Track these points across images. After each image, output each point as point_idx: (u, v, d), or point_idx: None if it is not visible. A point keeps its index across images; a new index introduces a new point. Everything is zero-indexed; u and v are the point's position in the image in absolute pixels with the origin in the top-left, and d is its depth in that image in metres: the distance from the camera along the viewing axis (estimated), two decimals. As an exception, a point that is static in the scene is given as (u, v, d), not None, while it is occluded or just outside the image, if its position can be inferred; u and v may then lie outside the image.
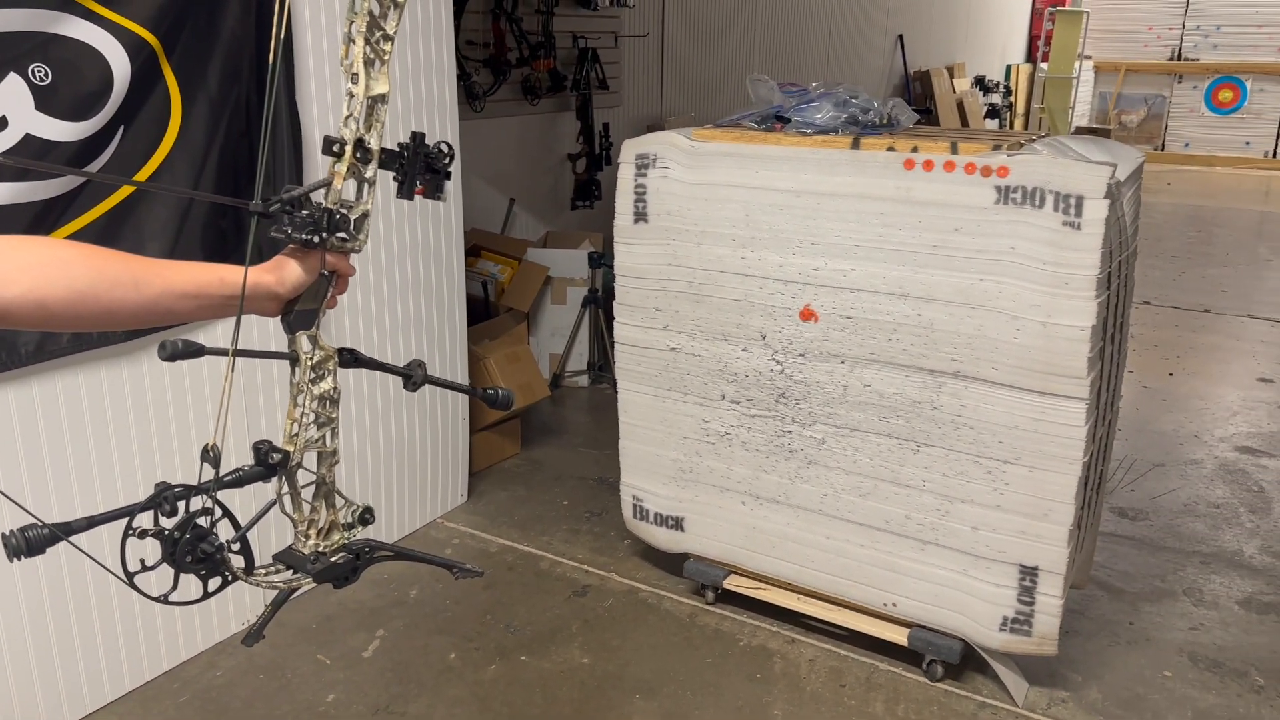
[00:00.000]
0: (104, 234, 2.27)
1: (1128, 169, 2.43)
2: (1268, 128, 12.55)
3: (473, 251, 4.56)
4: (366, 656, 2.71)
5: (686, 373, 2.82)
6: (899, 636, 2.64)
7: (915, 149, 2.36)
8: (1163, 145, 13.18)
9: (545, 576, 3.11)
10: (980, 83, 11.52)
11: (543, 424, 4.31)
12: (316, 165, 2.74)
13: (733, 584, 2.88)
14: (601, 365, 4.72)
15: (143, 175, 2.32)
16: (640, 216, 2.76)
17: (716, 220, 2.65)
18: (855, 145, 2.44)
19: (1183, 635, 2.85)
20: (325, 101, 2.78)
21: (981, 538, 2.47)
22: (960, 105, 10.72)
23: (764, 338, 2.67)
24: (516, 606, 2.94)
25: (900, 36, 9.93)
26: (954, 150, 2.32)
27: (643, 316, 2.85)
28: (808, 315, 2.58)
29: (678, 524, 2.95)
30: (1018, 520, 2.42)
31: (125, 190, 2.29)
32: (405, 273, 3.17)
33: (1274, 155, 12.53)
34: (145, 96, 2.29)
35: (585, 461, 3.95)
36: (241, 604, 2.80)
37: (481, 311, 4.36)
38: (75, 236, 2.20)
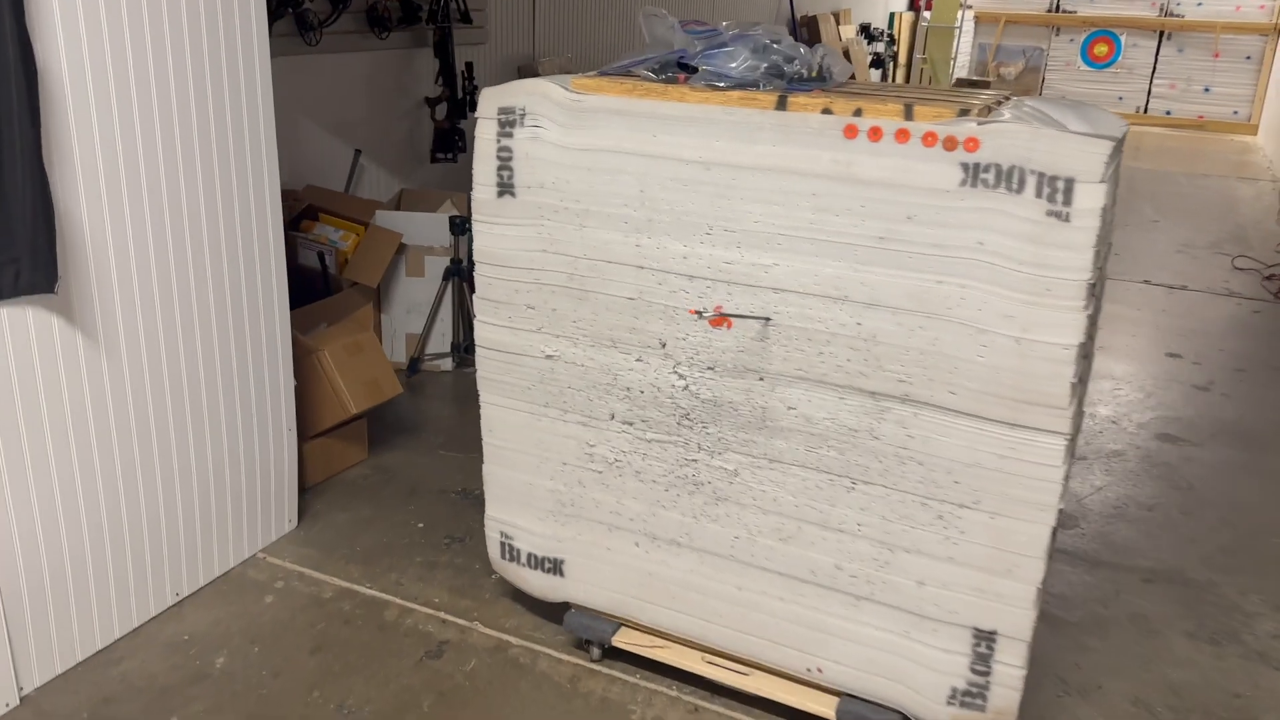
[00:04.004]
0: None
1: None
2: (1139, 83, 12.64)
3: (308, 214, 3.86)
4: (153, 759, 2.10)
5: (567, 386, 2.26)
6: (824, 708, 2.18)
7: (859, 111, 1.84)
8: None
9: (392, 631, 2.53)
10: (865, 30, 11.15)
11: (396, 419, 3.69)
12: (55, 105, 2.05)
13: (624, 640, 2.37)
14: (467, 346, 4.11)
15: None
16: (505, 188, 2.17)
17: (604, 197, 2.08)
18: (781, 105, 1.90)
19: (1136, 678, 2.49)
20: (75, 24, 2.06)
21: (928, 595, 2.02)
22: (846, 53, 10.32)
23: (664, 346, 2.12)
24: (353, 677, 2.35)
25: (787, -22, 9.43)
26: (908, 115, 1.81)
27: (511, 315, 2.26)
28: (719, 320, 2.04)
29: (556, 567, 2.40)
30: (974, 576, 1.97)
31: None
32: (197, 245, 2.49)
33: (1145, 111, 12.64)
34: None
35: (446, 469, 3.36)
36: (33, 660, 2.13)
37: (319, 287, 3.68)
38: None
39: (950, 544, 1.97)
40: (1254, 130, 12.10)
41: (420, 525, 3.02)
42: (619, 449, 2.25)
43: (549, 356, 2.25)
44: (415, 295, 4.04)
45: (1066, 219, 1.71)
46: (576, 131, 2.07)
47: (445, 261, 3.98)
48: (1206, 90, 12.35)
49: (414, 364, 4.06)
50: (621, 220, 2.08)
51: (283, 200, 3.66)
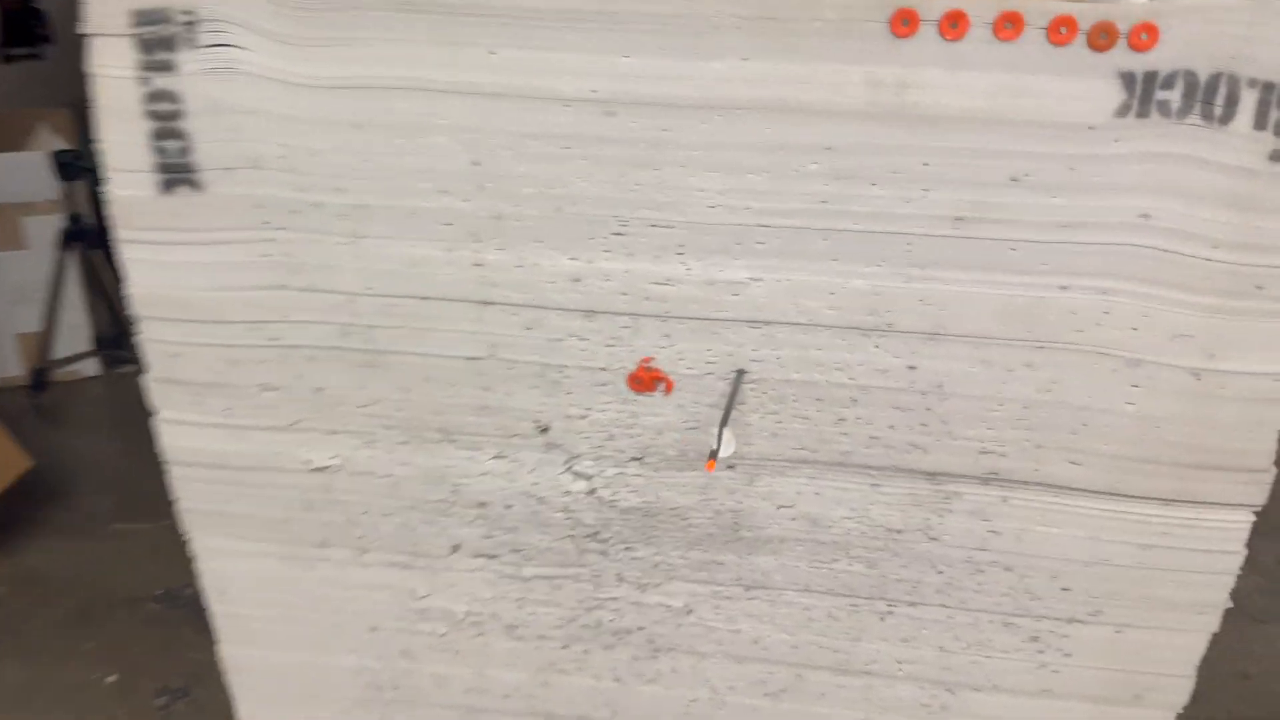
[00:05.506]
0: None
1: None
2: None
3: None
4: None
5: (362, 511, 1.26)
6: None
7: (914, -18, 0.94)
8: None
9: None
10: None
11: (31, 479, 2.42)
12: None
13: None
14: (117, 337, 2.84)
15: None
16: (178, 174, 1.07)
17: (396, 177, 1.05)
18: (754, -26, 0.96)
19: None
20: None
21: (1008, 740, 1.31)
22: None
23: (545, 431, 1.18)
24: None
25: None
26: (1013, -16, 0.94)
27: (230, 406, 1.21)
28: (647, 381, 1.13)
29: (382, 779, 1.46)
30: (1080, 709, 1.28)
31: None
32: None
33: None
34: None
35: (131, 556, 2.21)
36: None
37: None
38: None
39: (1048, 673, 1.26)
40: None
41: (111, 679, 1.91)
42: (474, 596, 1.31)
43: (320, 468, 1.24)
44: (20, 276, 2.68)
45: (1306, 163, 0.95)
46: (316, 52, 1.01)
47: (57, 221, 2.64)
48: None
49: (39, 377, 2.74)
50: (438, 220, 1.07)
51: None
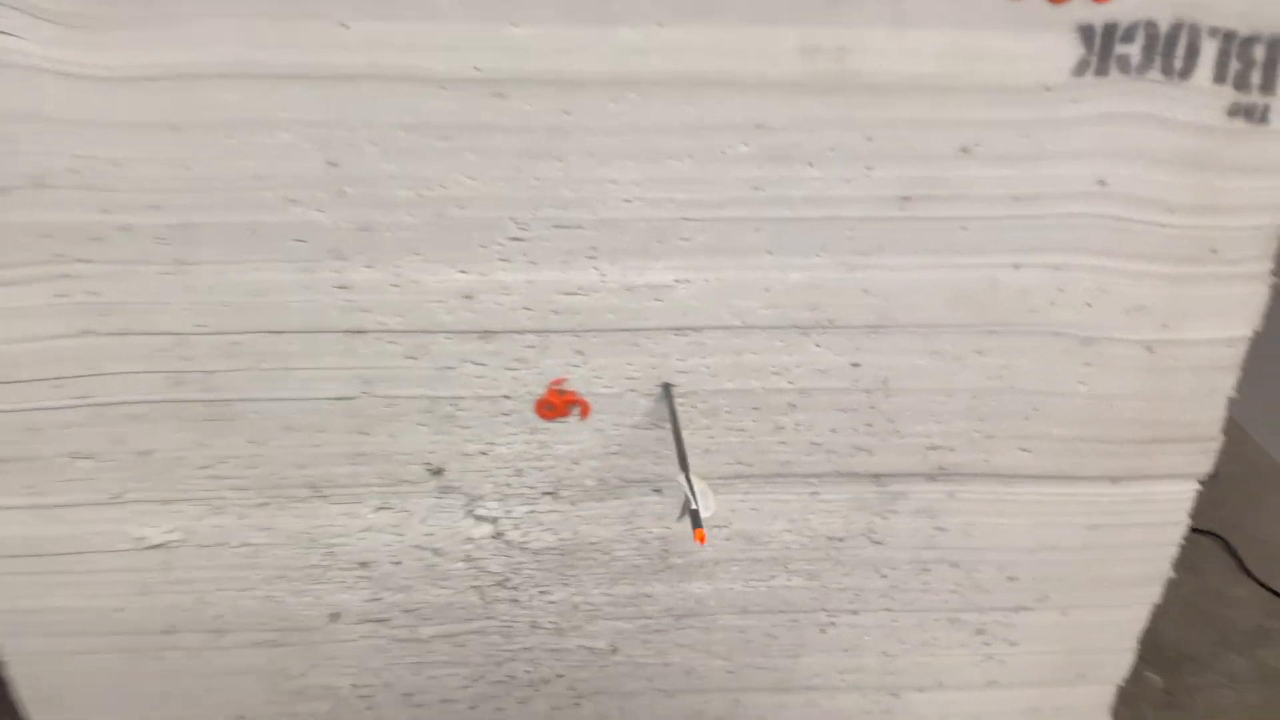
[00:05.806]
0: None
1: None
2: None
3: None
4: None
5: (215, 588, 1.04)
6: None
7: (851, -74, 0.80)
8: None
9: None
10: None
11: None
12: None
13: None
14: None
15: None
16: (-72, 199, 0.82)
17: (226, 187, 0.84)
18: (664, -80, 0.79)
19: None
20: None
21: (953, 735, 1.25)
22: None
23: (439, 474, 1.00)
24: None
25: None
26: (959, -74, 0.81)
27: (34, 481, 0.96)
28: (560, 406, 0.96)
29: None
30: (1025, 695, 1.23)
31: None
32: None
33: None
34: None
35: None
36: None
37: None
38: None
39: (994, 664, 1.20)
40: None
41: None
42: (361, 667, 1.12)
43: (156, 545, 1.01)
44: None
45: (1263, 117, 0.88)
46: (113, 35, 0.77)
47: None
48: None
49: None
50: (288, 236, 0.86)
51: None
